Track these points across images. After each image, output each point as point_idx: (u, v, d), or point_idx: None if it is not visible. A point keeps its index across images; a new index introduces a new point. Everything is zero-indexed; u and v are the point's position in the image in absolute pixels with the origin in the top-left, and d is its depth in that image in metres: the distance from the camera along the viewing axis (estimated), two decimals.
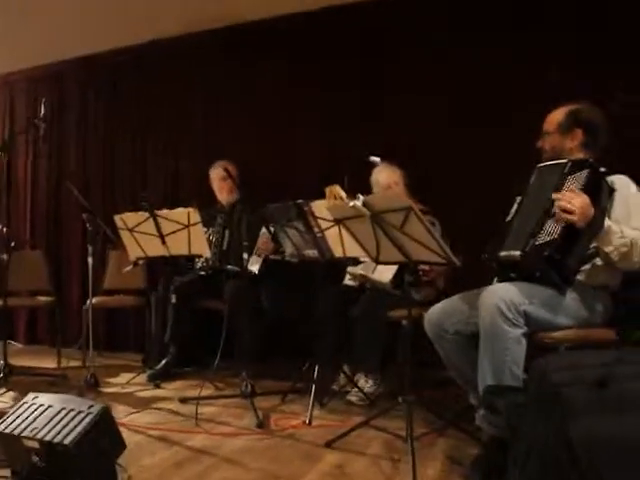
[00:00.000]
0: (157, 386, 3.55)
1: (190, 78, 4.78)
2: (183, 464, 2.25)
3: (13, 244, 4.11)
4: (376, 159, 2.87)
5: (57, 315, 4.53)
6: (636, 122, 3.00)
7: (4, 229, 4.09)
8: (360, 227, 2.24)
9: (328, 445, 2.39)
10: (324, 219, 2.76)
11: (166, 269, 3.98)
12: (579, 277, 2.24)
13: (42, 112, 3.94)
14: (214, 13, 4.44)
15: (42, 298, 4.48)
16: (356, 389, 3.07)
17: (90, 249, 3.59)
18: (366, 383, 3.13)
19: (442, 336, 2.41)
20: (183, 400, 3.14)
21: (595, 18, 3.48)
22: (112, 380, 3.76)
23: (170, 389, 3.49)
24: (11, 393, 3.38)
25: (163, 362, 3.79)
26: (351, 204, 2.15)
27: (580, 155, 2.39)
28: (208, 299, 3.84)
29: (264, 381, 3.42)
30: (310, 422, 2.71)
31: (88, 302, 4.23)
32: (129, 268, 3.91)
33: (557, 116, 2.46)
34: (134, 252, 3.54)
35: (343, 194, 2.81)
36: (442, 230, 3.25)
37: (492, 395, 1.99)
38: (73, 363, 4.23)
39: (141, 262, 3.75)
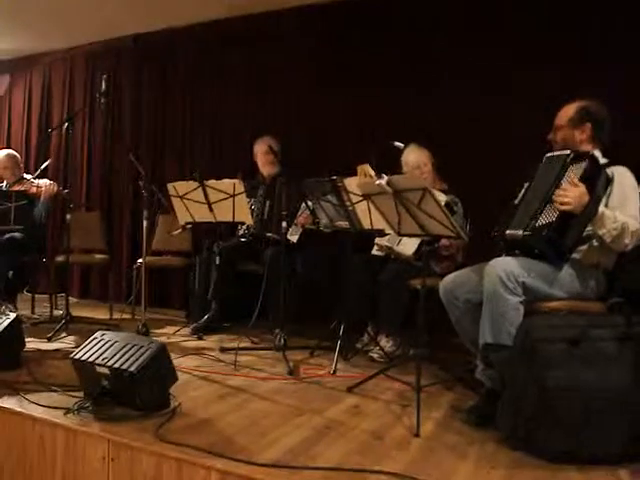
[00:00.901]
0: (200, 338, 3.94)
1: (234, 59, 5.13)
2: (223, 397, 2.65)
3: (71, 206, 4.54)
4: (399, 144, 3.18)
5: (111, 272, 5.00)
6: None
7: (66, 192, 4.54)
8: (385, 202, 2.57)
9: (349, 390, 2.76)
10: (355, 194, 3.09)
11: (211, 233, 4.37)
12: (576, 255, 2.53)
13: (103, 87, 4.34)
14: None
15: (98, 256, 4.94)
16: (378, 347, 3.43)
17: (145, 213, 3.99)
18: (387, 343, 3.48)
19: (453, 303, 2.74)
20: (223, 349, 3.54)
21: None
22: (159, 331, 4.16)
23: (211, 341, 3.88)
24: (72, 337, 3.84)
25: (205, 317, 4.18)
26: (377, 182, 2.48)
27: (589, 147, 2.67)
28: (248, 262, 4.23)
29: (295, 338, 3.78)
30: (335, 372, 3.08)
31: (139, 261, 4.71)
32: (178, 231, 4.33)
33: (569, 111, 2.74)
34: (183, 217, 3.92)
35: (372, 172, 3.14)
36: (464, 209, 3.57)
37: (489, 351, 2.33)
38: (124, 316, 4.68)
39: (189, 226, 4.15)
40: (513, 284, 2.39)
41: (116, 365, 2.32)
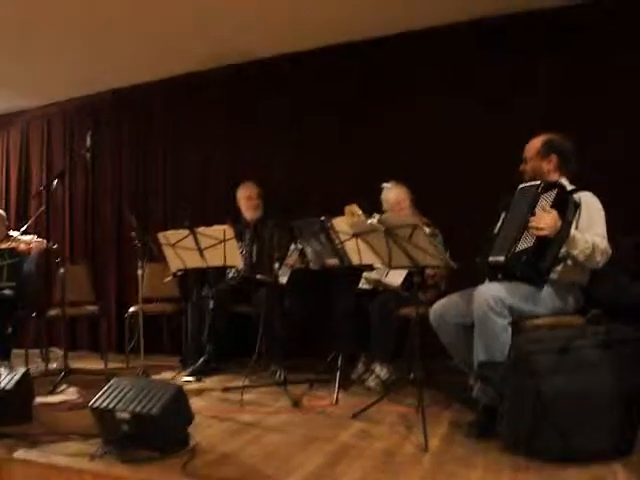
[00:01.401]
0: (199, 380, 4.06)
1: (214, 108, 5.36)
2: (237, 433, 2.79)
3: (58, 260, 4.64)
4: (387, 185, 3.42)
5: (101, 323, 5.10)
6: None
7: (55, 246, 4.66)
8: (375, 239, 2.78)
9: (354, 416, 2.93)
10: (343, 232, 3.31)
11: (203, 279, 4.52)
12: (553, 275, 2.78)
13: (89, 142, 4.52)
14: (229, 51, 5.02)
15: (89, 307, 5.03)
16: (373, 376, 3.60)
17: (139, 262, 4.14)
18: (381, 371, 3.65)
19: (444, 327, 2.96)
20: (226, 389, 3.67)
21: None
22: (158, 377, 4.26)
23: (211, 382, 4.01)
24: (73, 388, 3.93)
25: (201, 360, 4.28)
26: (369, 221, 2.70)
27: (555, 176, 2.95)
28: (239, 304, 4.39)
29: (291, 374, 3.92)
30: (337, 402, 3.25)
31: (131, 309, 4.83)
32: (169, 278, 4.47)
33: (536, 144, 3.02)
34: (175, 264, 4.08)
35: (360, 212, 3.35)
36: (446, 242, 3.81)
37: (484, 369, 2.54)
38: (117, 364, 4.76)
39: (180, 273, 4.30)
40: (500, 308, 2.62)
41: (137, 409, 2.45)
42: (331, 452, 2.43)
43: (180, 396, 2.54)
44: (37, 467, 2.48)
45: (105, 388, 2.67)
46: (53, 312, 4.79)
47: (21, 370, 3.15)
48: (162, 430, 2.45)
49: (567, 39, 4.10)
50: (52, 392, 3.80)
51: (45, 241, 4.85)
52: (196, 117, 5.46)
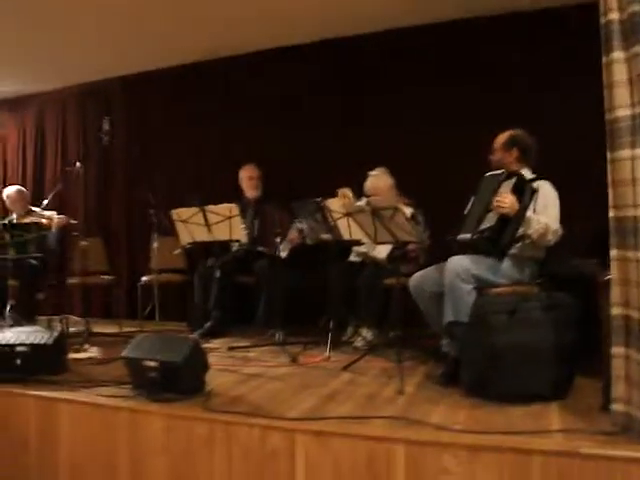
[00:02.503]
0: (207, 341, 4.57)
1: (215, 95, 5.82)
2: (244, 382, 3.30)
3: (76, 234, 5.13)
4: (373, 172, 3.91)
5: (117, 291, 5.62)
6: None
7: (75, 221, 5.15)
8: (364, 219, 3.28)
9: (344, 369, 3.46)
10: (336, 212, 3.80)
11: (209, 251, 5.01)
12: (513, 251, 3.28)
13: (106, 127, 4.97)
14: (219, 44, 5.47)
15: (105, 277, 5.53)
16: (360, 337, 4.12)
17: (155, 236, 4.63)
18: (367, 333, 4.17)
19: (421, 294, 3.46)
20: (231, 348, 4.18)
21: None
22: None
23: (217, 343, 4.51)
24: (95, 348, 4.42)
25: (208, 324, 4.77)
26: (358, 203, 3.20)
27: (517, 166, 3.43)
28: (242, 274, 4.90)
29: (289, 337, 4.43)
30: (329, 358, 3.77)
31: (143, 278, 5.33)
32: (179, 250, 4.98)
33: (501, 138, 3.51)
34: (185, 238, 4.56)
35: (351, 195, 3.84)
36: (427, 220, 4.30)
37: (452, 327, 3.05)
38: (131, 329, 5.26)
39: (188, 246, 4.79)
40: (466, 276, 3.13)
41: (164, 358, 2.95)
42: (323, 395, 2.95)
43: (198, 348, 3.05)
44: (80, 405, 2.97)
45: (134, 341, 3.17)
46: (73, 281, 5.27)
47: (58, 328, 3.65)
48: (184, 376, 2.94)
49: (535, 39, 4.60)
50: (77, 350, 4.30)
51: (65, 217, 5.33)
52: (199, 102, 5.91)
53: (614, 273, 2.20)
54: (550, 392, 2.69)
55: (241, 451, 2.55)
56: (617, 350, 2.20)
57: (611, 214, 2.22)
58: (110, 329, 5.30)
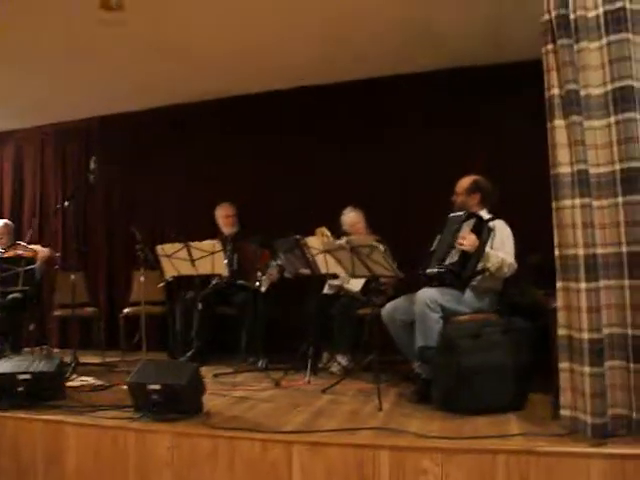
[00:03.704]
0: None
1: (196, 137, 6.22)
2: (235, 404, 3.63)
3: (56, 267, 5.40)
4: (347, 210, 4.38)
5: (99, 322, 5.87)
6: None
7: (57, 255, 5.41)
8: (342, 255, 3.70)
9: (324, 391, 3.82)
10: (315, 248, 4.21)
11: (189, 284, 5.33)
12: (474, 283, 3.73)
13: (92, 166, 5.26)
14: (207, 89, 5.89)
15: (88, 309, 5.78)
16: (336, 363, 4.50)
17: (141, 270, 4.95)
18: (342, 359, 4.55)
19: (393, 322, 3.87)
20: (216, 375, 4.50)
21: None
22: None
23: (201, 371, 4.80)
24: (84, 377, 4.67)
25: (189, 353, 5.07)
26: (338, 242, 3.62)
27: (478, 208, 3.91)
28: (222, 305, 5.25)
29: (270, 364, 4.75)
30: (309, 382, 4.14)
31: (125, 310, 5.60)
32: (163, 284, 5.28)
33: (464, 183, 3.99)
34: (169, 272, 4.88)
35: (328, 233, 4.26)
36: (391, 252, 4.74)
37: (422, 351, 3.47)
38: (113, 359, 5.50)
39: (171, 279, 5.11)
40: (434, 305, 3.56)
41: (168, 381, 3.26)
42: (312, 412, 3.32)
43: (198, 372, 3.38)
44: (88, 428, 3.25)
45: (137, 367, 3.47)
46: (57, 313, 5.51)
47: (57, 357, 3.92)
48: (186, 397, 3.27)
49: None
50: (67, 379, 4.54)
51: (50, 249, 5.58)
52: (180, 144, 6.28)
53: (559, 300, 2.67)
54: (509, 404, 3.12)
55: (244, 463, 2.88)
56: (563, 365, 2.66)
57: (556, 252, 2.70)
58: (92, 359, 5.53)
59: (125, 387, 3.50)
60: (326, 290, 4.92)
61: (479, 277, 3.73)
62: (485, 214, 3.87)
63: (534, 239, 4.32)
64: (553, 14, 2.67)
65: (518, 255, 3.77)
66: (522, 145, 4.91)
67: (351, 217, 4.89)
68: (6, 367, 3.69)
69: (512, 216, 3.89)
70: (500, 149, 5.07)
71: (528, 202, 4.63)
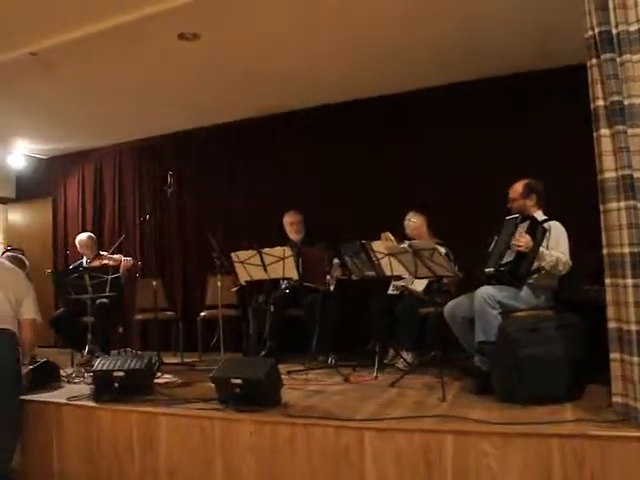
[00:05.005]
0: None
1: (267, 151, 6.66)
2: (309, 397, 3.94)
3: (137, 275, 5.85)
4: (410, 214, 4.66)
5: (178, 326, 6.31)
6: None
7: (139, 264, 5.87)
8: (406, 258, 3.97)
9: (391, 385, 4.10)
10: (379, 252, 4.50)
11: (260, 288, 5.69)
12: (531, 280, 3.94)
13: (170, 181, 5.70)
14: (269, 103, 6.29)
15: (167, 313, 6.24)
16: (401, 360, 4.77)
17: (218, 276, 5.35)
18: (407, 355, 4.81)
19: (454, 320, 4.13)
20: (290, 372, 4.83)
21: None
22: None
23: None
24: (168, 375, 5.09)
25: (263, 353, 5.45)
26: (402, 246, 3.89)
27: (535, 209, 4.11)
28: (292, 307, 5.60)
29: (339, 361, 5.04)
30: (377, 377, 4.43)
31: (202, 313, 6.02)
32: (235, 289, 5.67)
33: (518, 187, 4.21)
34: (243, 277, 5.25)
35: (392, 237, 4.53)
36: (454, 256, 4.98)
37: (482, 346, 3.71)
38: (190, 359, 5.92)
39: (245, 284, 5.48)
40: (493, 302, 3.79)
41: (248, 376, 3.61)
42: (380, 404, 3.61)
43: (275, 367, 3.71)
44: (178, 417, 3.63)
45: (221, 363, 3.84)
46: (139, 317, 5.99)
47: (147, 355, 4.33)
48: (265, 390, 3.60)
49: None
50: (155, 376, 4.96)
51: (132, 259, 6.05)
52: (246, 162, 6.75)
53: (608, 296, 2.88)
54: (564, 395, 3.32)
55: (319, 447, 3.20)
56: (614, 355, 2.87)
57: (604, 251, 2.90)
58: (172, 359, 5.97)
59: (208, 383, 3.88)
60: (390, 290, 5.19)
61: (535, 275, 3.94)
62: (540, 215, 4.07)
63: (589, 239, 4.53)
64: (596, 30, 2.88)
65: (575, 254, 3.95)
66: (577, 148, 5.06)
67: (414, 222, 5.17)
68: (103, 365, 4.11)
69: (567, 217, 4.08)
70: (557, 153, 5.22)
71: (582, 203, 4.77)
